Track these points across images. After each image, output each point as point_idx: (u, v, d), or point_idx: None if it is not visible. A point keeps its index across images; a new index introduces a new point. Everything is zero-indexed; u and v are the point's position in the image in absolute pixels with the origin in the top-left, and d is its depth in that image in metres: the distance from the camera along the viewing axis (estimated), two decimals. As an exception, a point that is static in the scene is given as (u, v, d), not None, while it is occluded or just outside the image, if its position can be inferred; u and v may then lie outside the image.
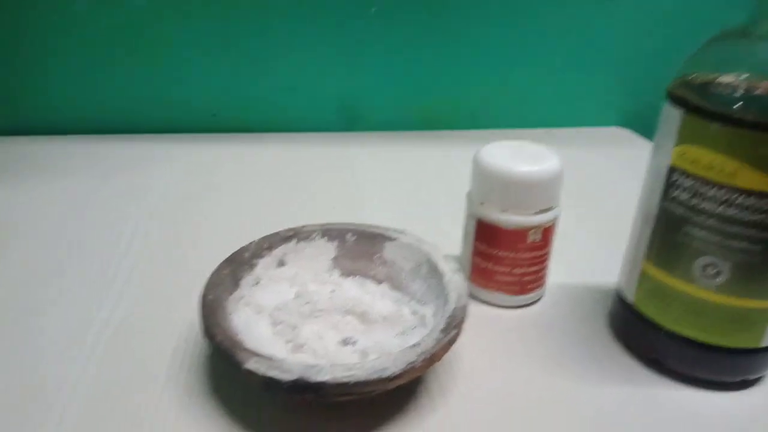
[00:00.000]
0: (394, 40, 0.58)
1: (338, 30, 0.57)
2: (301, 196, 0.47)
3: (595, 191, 0.50)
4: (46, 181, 0.48)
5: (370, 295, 0.32)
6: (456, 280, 0.29)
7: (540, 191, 0.31)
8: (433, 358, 0.24)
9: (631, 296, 0.30)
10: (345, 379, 0.23)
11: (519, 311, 0.34)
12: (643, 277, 0.29)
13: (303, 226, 0.34)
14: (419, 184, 0.51)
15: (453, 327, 0.26)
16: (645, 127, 0.65)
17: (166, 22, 0.55)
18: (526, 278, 0.33)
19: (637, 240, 0.30)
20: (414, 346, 0.25)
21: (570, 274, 0.37)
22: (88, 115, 0.58)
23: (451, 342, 0.25)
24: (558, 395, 0.28)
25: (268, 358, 0.24)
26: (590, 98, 0.65)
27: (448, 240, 0.38)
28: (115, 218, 0.43)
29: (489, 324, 0.33)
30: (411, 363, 0.24)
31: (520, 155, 0.32)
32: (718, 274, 0.26)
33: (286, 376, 0.23)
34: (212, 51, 0.56)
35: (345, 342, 0.29)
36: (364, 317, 0.30)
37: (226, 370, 0.28)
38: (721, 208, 0.25)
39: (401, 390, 0.27)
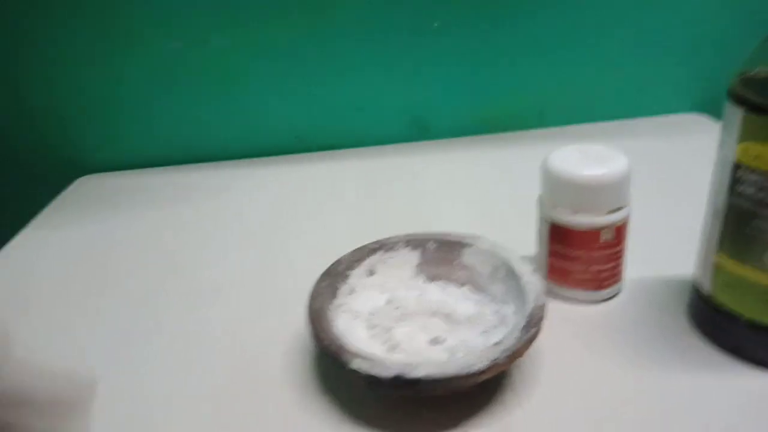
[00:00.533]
0: (457, 50, 0.60)
1: (404, 46, 0.60)
2: (380, 206, 0.51)
3: (671, 182, 0.50)
4: (142, 212, 0.54)
5: (453, 298, 0.35)
6: (533, 281, 0.32)
7: (609, 193, 0.33)
8: (515, 354, 0.27)
9: (707, 288, 0.31)
10: (438, 375, 0.26)
11: (598, 307, 0.36)
12: (718, 269, 0.30)
13: (388, 238, 0.37)
14: (491, 187, 0.53)
15: (533, 325, 0.28)
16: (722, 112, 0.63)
17: (242, 55, 0.59)
18: (603, 275, 0.35)
19: (708, 233, 0.31)
20: (497, 343, 0.27)
21: (647, 268, 0.38)
22: (179, 146, 0.63)
23: (532, 339, 0.28)
24: (641, 387, 0.30)
25: (370, 359, 0.27)
26: (662, 85, 0.64)
27: (521, 241, 0.39)
28: (212, 243, 0.48)
29: (569, 320, 0.35)
30: (495, 359, 0.27)
31: (587, 158, 0.34)
32: None
33: (387, 373, 0.26)
34: (289, 78, 0.61)
35: (434, 342, 0.32)
36: (449, 318, 0.33)
37: (331, 371, 0.32)
38: None
39: (488, 385, 0.30)
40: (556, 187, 0.34)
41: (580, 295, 0.36)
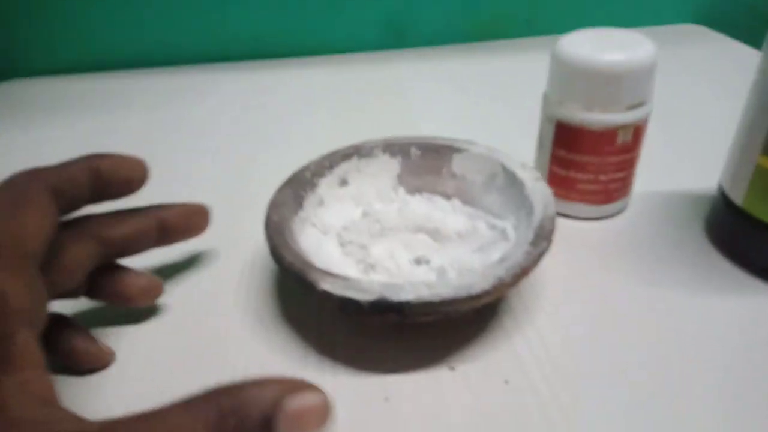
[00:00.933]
0: None
1: None
2: (353, 120, 0.45)
3: (677, 94, 0.45)
4: (84, 119, 0.46)
5: (441, 212, 0.30)
6: (539, 188, 0.26)
7: (633, 83, 0.27)
8: (523, 272, 0.22)
9: (739, 198, 0.27)
10: (430, 298, 0.21)
11: (603, 223, 0.31)
12: (758, 173, 0.26)
13: (364, 142, 0.31)
14: (477, 99, 0.47)
15: (543, 238, 0.23)
16: (722, 23, 0.58)
17: None
18: (613, 185, 0.30)
19: (748, 132, 0.26)
20: (502, 260, 0.22)
21: (656, 181, 0.34)
22: (122, 49, 0.55)
23: (542, 254, 0.23)
24: (656, 307, 0.26)
25: (344, 278, 0.22)
26: None
27: (516, 153, 0.35)
28: (167, 151, 0.41)
29: (571, 238, 0.30)
30: (500, 278, 0.22)
31: (607, 43, 0.28)
32: None
33: (366, 297, 0.21)
34: None
35: (418, 261, 0.27)
36: (436, 234, 0.28)
37: (297, 293, 0.27)
38: None
39: (483, 310, 0.25)
40: (566, 76, 0.28)
41: (584, 209, 0.31)
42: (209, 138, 0.43)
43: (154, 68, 0.55)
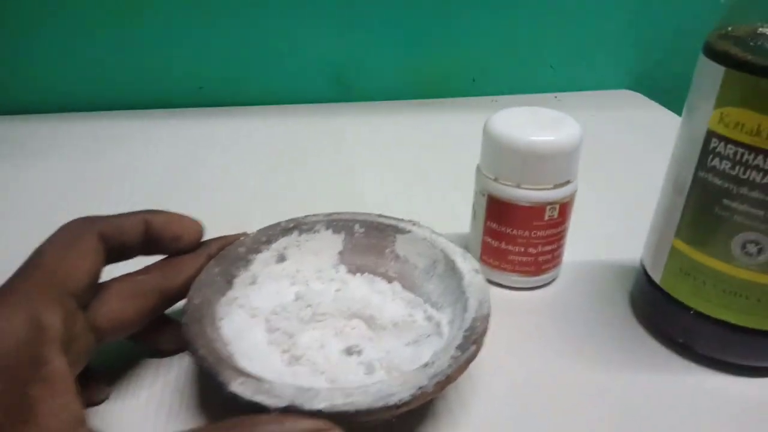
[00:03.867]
0: (388, 3, 0.53)
1: None
2: (295, 174, 0.44)
3: (609, 160, 0.46)
4: (20, 163, 0.44)
5: (381, 295, 0.29)
6: (477, 283, 0.26)
7: (560, 162, 0.28)
8: (447, 380, 0.21)
9: (657, 275, 0.27)
10: (344, 407, 0.19)
11: (533, 293, 0.32)
12: (673, 254, 0.26)
13: (305, 216, 0.30)
14: (419, 156, 0.47)
15: (472, 342, 0.22)
16: (654, 89, 0.60)
17: None
18: (542, 258, 0.30)
19: (666, 214, 0.27)
20: (426, 365, 0.21)
21: (586, 252, 0.34)
22: (63, 91, 0.53)
23: (469, 361, 0.22)
24: (581, 383, 0.26)
25: (257, 379, 0.21)
26: (596, 59, 0.59)
27: (453, 216, 0.36)
28: (99, 202, 0.39)
29: (502, 307, 0.29)
30: (422, 387, 0.20)
31: (535, 122, 0.29)
32: (760, 251, 0.23)
33: (275, 402, 0.20)
34: (193, 19, 0.51)
35: (349, 351, 0.26)
36: (371, 322, 0.27)
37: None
38: None
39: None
40: (498, 154, 0.29)
41: (515, 279, 0.31)
42: (139, 187, 0.42)
43: (89, 113, 0.53)
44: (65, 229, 0.23)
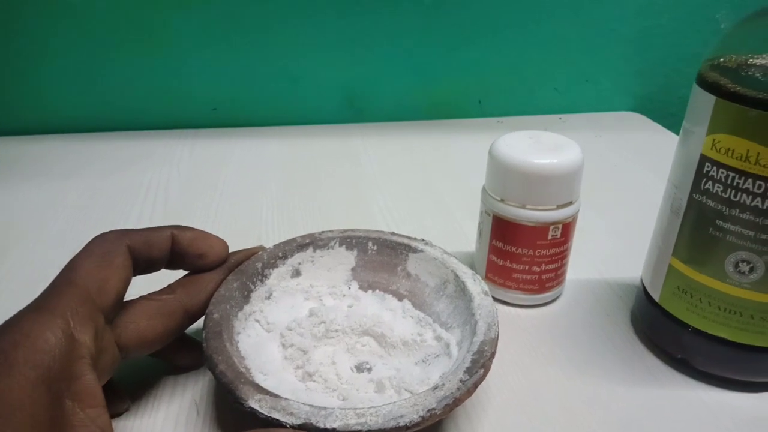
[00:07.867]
0: (397, 28, 0.54)
1: (340, 19, 0.53)
2: (309, 192, 0.45)
3: (611, 180, 0.47)
4: (46, 181, 0.46)
5: (391, 313, 0.29)
6: (486, 306, 0.26)
7: (562, 184, 0.29)
8: (455, 402, 0.22)
9: (656, 293, 0.28)
10: (357, 427, 0.20)
11: (537, 310, 0.32)
12: (671, 273, 0.27)
13: (321, 233, 0.31)
14: (428, 175, 0.48)
15: (480, 366, 0.23)
16: (657, 111, 0.60)
17: (164, 14, 0.51)
18: (546, 276, 0.31)
19: (663, 235, 0.28)
20: (436, 388, 0.22)
21: (588, 270, 0.35)
22: (84, 113, 0.55)
23: (477, 384, 0.23)
24: (583, 398, 0.27)
25: (274, 396, 0.21)
26: (600, 81, 0.60)
27: (460, 234, 0.37)
28: (117, 219, 0.41)
29: (507, 324, 0.31)
30: (431, 410, 0.21)
31: (539, 146, 0.30)
32: (752, 270, 0.24)
33: (291, 420, 0.21)
34: (211, 43, 0.53)
35: (360, 368, 0.27)
36: (382, 340, 0.28)
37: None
38: (757, 201, 0.23)
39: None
40: (503, 176, 0.30)
41: (519, 297, 0.32)
42: (160, 203, 0.43)
43: (111, 132, 0.54)
44: (98, 242, 0.23)
